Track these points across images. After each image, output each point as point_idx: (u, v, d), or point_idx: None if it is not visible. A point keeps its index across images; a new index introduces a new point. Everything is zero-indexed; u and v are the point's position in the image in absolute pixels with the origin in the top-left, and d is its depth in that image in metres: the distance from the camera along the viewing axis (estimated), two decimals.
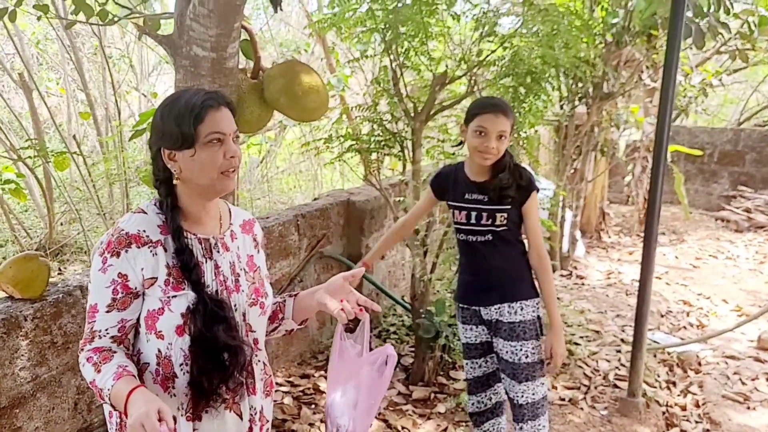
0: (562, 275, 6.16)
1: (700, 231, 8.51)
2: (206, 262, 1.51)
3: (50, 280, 2.28)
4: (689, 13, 4.28)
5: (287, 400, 3.37)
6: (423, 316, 3.52)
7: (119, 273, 1.42)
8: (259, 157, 7.96)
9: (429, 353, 3.57)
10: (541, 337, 2.52)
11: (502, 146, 2.41)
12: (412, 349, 3.73)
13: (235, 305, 1.53)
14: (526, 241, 2.57)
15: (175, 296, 1.45)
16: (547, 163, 6.81)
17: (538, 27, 3.61)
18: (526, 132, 3.99)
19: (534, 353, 2.49)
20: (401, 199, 3.61)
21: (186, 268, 1.45)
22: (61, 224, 5.48)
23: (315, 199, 4.10)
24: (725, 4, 4.39)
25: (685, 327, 5.21)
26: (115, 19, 2.57)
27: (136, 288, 1.44)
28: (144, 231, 1.45)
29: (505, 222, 2.46)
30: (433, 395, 3.57)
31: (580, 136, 5.98)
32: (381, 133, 3.72)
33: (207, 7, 2.19)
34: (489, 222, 2.47)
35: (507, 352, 2.51)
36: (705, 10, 4.37)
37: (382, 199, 3.91)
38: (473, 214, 2.50)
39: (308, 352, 3.84)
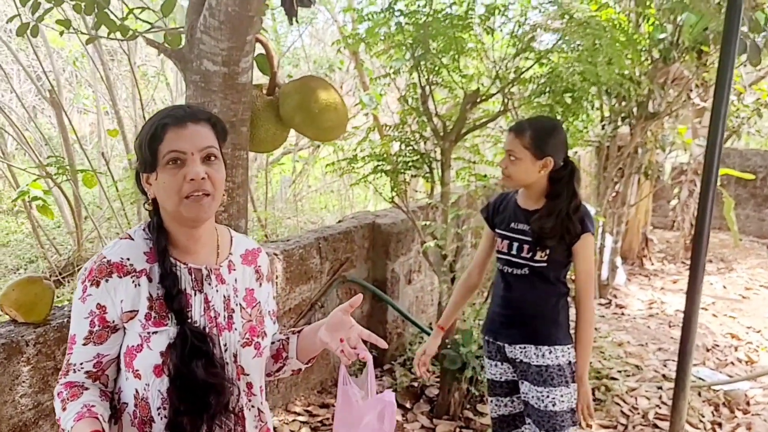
0: (600, 304, 5.88)
1: (751, 259, 8.08)
2: (195, 294, 1.38)
3: (56, 303, 2.21)
4: (744, 28, 4.01)
5: (304, 430, 3.21)
6: (449, 346, 3.33)
7: (98, 304, 1.32)
8: (292, 176, 7.90)
9: (455, 385, 3.38)
10: (572, 385, 2.30)
11: (513, 168, 2.24)
12: (438, 379, 3.54)
13: (225, 344, 1.39)
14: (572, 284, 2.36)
15: (155, 332, 1.33)
16: (587, 186, 6.55)
17: (578, 42, 3.41)
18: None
19: (563, 401, 2.28)
20: (428, 223, 3.44)
21: (169, 296, 1.33)
22: (91, 242, 5.48)
23: (339, 222, 3.96)
24: None
25: (732, 363, 4.87)
26: (135, 34, 2.50)
27: (113, 321, 1.33)
28: (128, 259, 1.34)
29: (545, 259, 2.26)
30: (458, 430, 3.37)
31: (622, 158, 5.71)
32: (409, 154, 3.57)
33: (218, 18, 2.09)
34: (529, 255, 2.29)
35: (533, 397, 2.31)
36: (762, 24, 4.09)
37: (409, 222, 3.75)
38: (515, 244, 2.33)
39: (329, 380, 3.68)
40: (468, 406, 3.53)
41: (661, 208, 8.90)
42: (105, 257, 1.33)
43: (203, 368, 1.31)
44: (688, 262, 7.03)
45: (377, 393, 1.45)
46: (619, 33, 3.43)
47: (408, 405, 3.56)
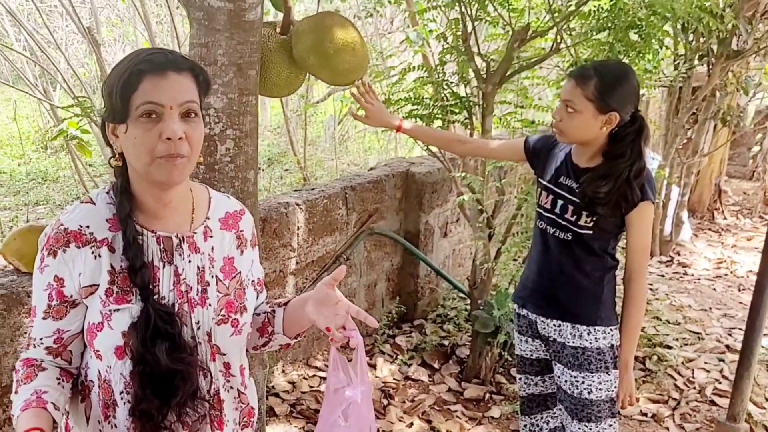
0: (660, 262, 5.60)
1: None
2: (163, 267, 1.26)
3: None
4: None
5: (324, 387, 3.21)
6: (482, 307, 3.23)
7: (55, 276, 1.22)
8: (337, 115, 7.75)
9: (486, 349, 3.29)
10: (613, 371, 2.08)
11: (568, 121, 1.95)
12: (471, 338, 3.46)
13: (197, 322, 1.28)
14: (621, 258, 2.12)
15: (117, 310, 1.21)
16: (653, 133, 6.16)
17: None
18: None
19: (601, 389, 2.07)
20: (466, 174, 3.27)
21: (132, 269, 1.21)
22: None
23: (371, 169, 3.84)
24: None
25: None
26: None
27: (72, 296, 1.23)
28: (87, 227, 1.22)
29: (590, 225, 2.01)
30: (487, 395, 3.31)
31: (697, 101, 5.26)
32: (447, 97, 3.38)
33: None
34: (573, 218, 2.03)
35: (566, 382, 2.11)
36: None
37: (446, 171, 3.60)
38: (559, 202, 2.07)
39: None
40: (501, 370, 3.45)
41: (739, 156, 8.33)
42: (62, 224, 1.22)
43: (167, 353, 1.21)
44: (766, 217, 6.46)
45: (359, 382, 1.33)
46: None
47: (436, 365, 3.51)
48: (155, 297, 1.24)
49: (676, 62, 5.09)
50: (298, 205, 2.94)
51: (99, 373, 1.27)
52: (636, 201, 1.94)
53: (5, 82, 6.58)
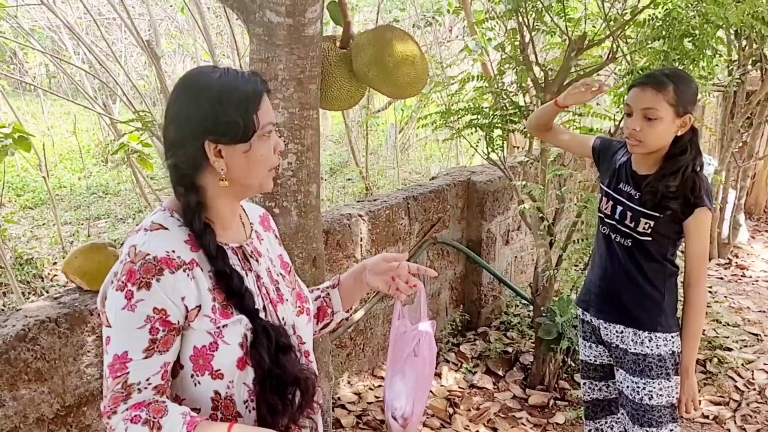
0: (719, 264, 5.13)
1: None
2: (246, 275, 1.17)
3: None
4: None
5: None
6: (544, 314, 2.91)
7: (155, 308, 1.04)
8: (398, 124, 7.41)
9: (550, 355, 2.97)
10: (674, 377, 1.89)
11: (650, 131, 1.77)
12: (534, 345, 3.13)
13: (283, 318, 1.22)
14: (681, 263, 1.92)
15: (225, 325, 1.10)
16: (708, 139, 5.68)
17: None
18: None
19: (662, 395, 1.89)
20: (526, 183, 2.97)
21: (234, 293, 1.12)
22: None
23: (432, 179, 3.57)
24: None
25: None
26: None
27: (178, 322, 1.08)
28: (173, 251, 1.07)
29: (648, 231, 1.85)
30: (552, 402, 2.98)
31: (751, 106, 4.90)
32: (506, 106, 3.09)
33: None
34: (632, 225, 1.88)
35: (628, 387, 1.93)
36: None
37: (506, 179, 3.30)
38: (618, 208, 1.92)
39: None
40: (565, 376, 3.11)
41: None
42: (147, 254, 1.05)
43: (292, 363, 1.16)
44: None
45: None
46: None
47: (500, 372, 3.19)
48: (257, 308, 1.15)
49: (729, 68, 4.77)
50: (360, 216, 2.70)
51: (216, 394, 1.13)
52: (698, 203, 1.80)
53: (64, 96, 5.86)
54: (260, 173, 1.13)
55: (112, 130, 5.66)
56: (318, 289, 1.42)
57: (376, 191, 5.86)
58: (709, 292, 4.39)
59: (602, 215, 1.99)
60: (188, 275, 1.07)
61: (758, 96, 4.84)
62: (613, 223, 1.93)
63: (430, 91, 3.42)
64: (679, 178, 1.79)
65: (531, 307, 3.26)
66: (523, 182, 3.00)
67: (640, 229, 1.86)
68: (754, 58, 4.70)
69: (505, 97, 3.08)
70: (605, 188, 1.98)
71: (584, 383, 2.13)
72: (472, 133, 3.17)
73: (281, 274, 1.26)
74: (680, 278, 1.92)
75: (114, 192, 6.44)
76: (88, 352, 1.86)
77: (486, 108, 3.09)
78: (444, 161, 7.51)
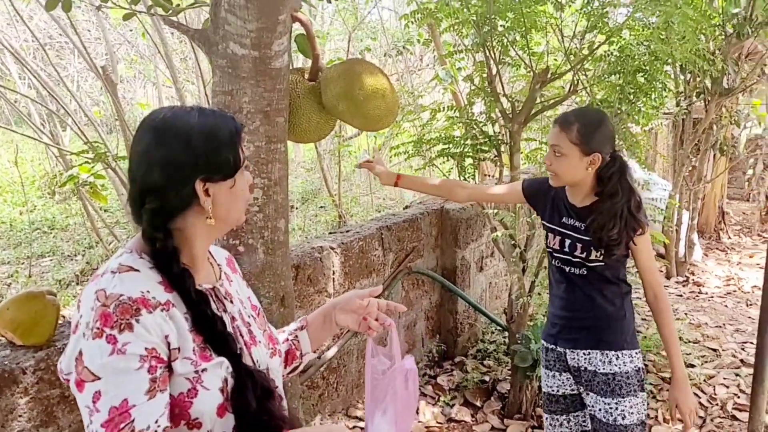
0: (677, 282, 5.04)
1: None
2: (221, 317, 1.04)
3: (64, 319, 1.72)
4: None
5: None
6: (519, 341, 2.70)
7: (145, 348, 0.90)
8: (371, 151, 7.20)
9: (527, 383, 2.74)
10: (641, 394, 1.83)
11: (558, 165, 1.79)
12: (511, 372, 2.91)
13: (257, 361, 1.09)
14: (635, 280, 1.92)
15: (205, 369, 0.97)
16: (668, 157, 5.67)
17: (649, 18, 2.73)
18: (640, 127, 3.11)
19: (633, 412, 1.80)
20: (497, 211, 2.78)
21: (217, 337, 1.00)
22: None
23: (405, 208, 3.36)
24: None
25: None
26: (178, 9, 1.98)
27: (170, 358, 0.94)
28: (148, 292, 0.94)
29: (600, 258, 1.81)
30: (529, 430, 2.74)
31: (698, 134, 4.93)
32: (476, 136, 2.93)
33: None
34: (583, 255, 1.83)
35: (601, 410, 1.83)
36: None
37: (479, 207, 3.12)
38: (567, 241, 1.87)
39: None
40: (541, 403, 2.88)
41: (736, 180, 7.85)
42: (120, 294, 0.91)
43: (274, 407, 1.05)
44: (764, 235, 6.16)
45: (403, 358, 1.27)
46: (691, 9, 2.72)
47: (478, 403, 2.95)
48: (236, 350, 1.02)
49: (677, 99, 4.81)
50: (332, 248, 2.46)
51: None
52: (641, 232, 1.80)
53: (5, 126, 4.87)
54: (241, 207, 1.08)
55: (60, 161, 5.03)
56: (284, 331, 1.31)
57: (349, 219, 5.59)
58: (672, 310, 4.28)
59: (551, 250, 1.93)
60: (166, 315, 0.94)
61: (703, 125, 4.91)
62: (564, 256, 1.88)
63: (402, 119, 3.26)
64: (618, 225, 1.74)
65: (507, 334, 3.04)
66: (495, 210, 2.83)
67: (592, 257, 1.82)
68: (697, 90, 4.77)
69: (475, 126, 2.93)
70: (549, 225, 1.93)
71: (546, 418, 1.99)
72: (444, 162, 2.99)
73: (252, 315, 1.15)
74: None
75: (61, 227, 5.68)
76: (20, 416, 1.54)
77: (457, 137, 2.92)
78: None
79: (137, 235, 1.02)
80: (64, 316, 1.82)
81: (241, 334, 1.07)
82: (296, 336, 1.28)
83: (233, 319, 1.08)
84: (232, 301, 1.10)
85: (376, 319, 1.21)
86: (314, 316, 1.30)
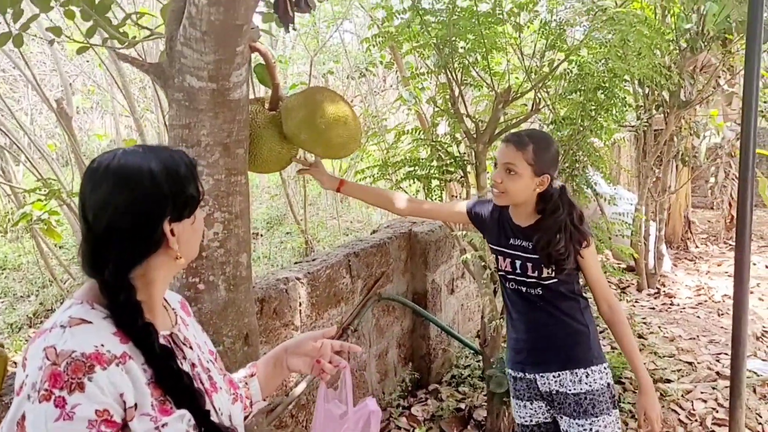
0: (649, 294, 5.18)
1: None
2: (182, 365, 1.03)
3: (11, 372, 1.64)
4: (766, 14, 3.42)
5: None
6: (494, 365, 2.73)
7: (96, 410, 0.86)
8: (337, 174, 7.22)
9: (503, 409, 2.77)
10: (614, 411, 1.86)
11: (512, 183, 1.82)
12: (487, 399, 2.93)
13: (219, 408, 1.08)
14: (589, 293, 1.95)
15: (165, 424, 0.94)
16: (630, 171, 5.88)
17: (606, 36, 2.88)
18: (602, 142, 3.23)
19: (607, 431, 1.83)
20: (465, 232, 2.84)
21: (182, 392, 0.97)
22: None
23: (373, 232, 3.38)
24: None
25: None
26: (132, 42, 1.98)
27: (123, 419, 0.91)
28: (102, 345, 0.90)
29: (553, 275, 1.85)
30: None
31: (659, 146, 5.15)
32: (442, 157, 2.99)
33: (199, 29, 1.54)
34: (535, 274, 1.87)
35: None
36: None
37: (447, 228, 3.17)
38: (518, 262, 1.90)
39: None
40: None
41: (699, 189, 8.20)
42: (73, 351, 0.87)
43: None
44: (730, 242, 6.45)
45: (357, 403, 1.27)
46: (646, 26, 2.89)
47: None
48: (200, 400, 1.00)
49: (638, 113, 5.01)
50: (299, 279, 2.45)
51: None
52: (585, 238, 1.85)
53: None
54: (197, 243, 1.08)
55: (12, 198, 4.96)
56: (236, 378, 1.27)
57: (316, 245, 5.59)
58: (644, 323, 4.39)
59: (503, 273, 1.95)
60: (122, 370, 0.91)
61: (664, 137, 5.14)
62: (518, 277, 1.90)
63: (366, 141, 3.31)
64: (563, 238, 1.80)
65: (481, 358, 3.08)
66: (464, 231, 2.89)
67: (544, 275, 1.85)
68: (656, 103, 4.99)
69: (440, 148, 2.99)
70: (497, 247, 1.95)
71: None
72: (410, 185, 3.04)
73: (210, 360, 1.14)
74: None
75: (13, 266, 5.51)
76: None
77: (423, 159, 2.98)
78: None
79: (86, 285, 0.99)
80: (16, 363, 1.76)
81: (201, 381, 1.06)
82: (246, 383, 1.26)
83: (193, 365, 1.06)
84: (191, 347, 1.08)
85: (330, 362, 1.20)
86: (264, 362, 1.28)
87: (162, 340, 0.99)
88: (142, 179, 0.97)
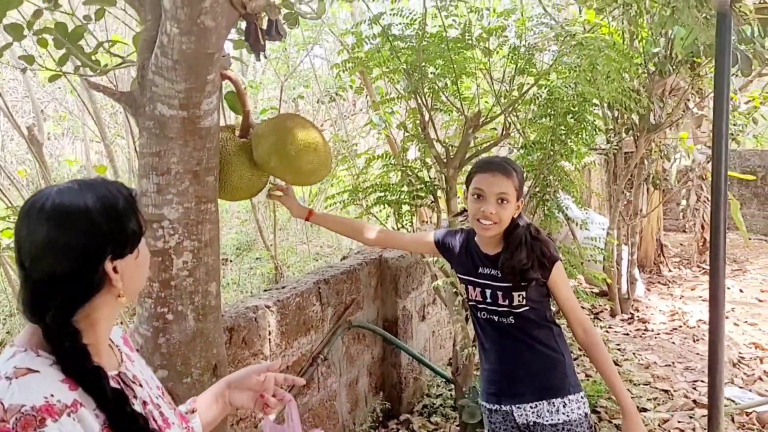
0: (622, 320, 5.28)
1: (762, 258, 7.51)
2: (134, 404, 1.03)
3: None
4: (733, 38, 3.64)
5: None
6: (466, 394, 2.79)
7: None
8: (308, 197, 7.27)
9: None
10: None
11: (503, 213, 1.86)
12: (460, 430, 2.98)
13: None
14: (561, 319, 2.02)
15: None
16: (602, 193, 6.05)
17: (575, 61, 3.03)
18: (572, 165, 3.36)
19: None
20: (436, 259, 2.91)
21: (125, 419, 0.98)
22: None
23: (343, 258, 3.44)
24: None
25: (761, 378, 4.23)
26: (104, 70, 2.03)
27: None
28: (52, 396, 0.90)
29: (524, 302, 1.89)
30: None
31: (630, 169, 5.29)
32: (412, 182, 3.08)
33: (171, 57, 1.61)
34: (506, 303, 1.91)
35: None
36: (749, 34, 3.73)
37: (418, 254, 3.24)
38: (488, 291, 1.93)
39: None
40: None
41: (671, 211, 8.44)
42: (21, 405, 0.87)
43: None
44: (703, 266, 6.55)
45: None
46: (614, 51, 3.04)
47: None
48: None
49: (607, 136, 5.14)
50: (268, 307, 2.49)
51: None
52: (552, 260, 1.90)
53: None
54: (144, 276, 1.08)
55: None
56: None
57: (285, 270, 5.61)
58: (619, 349, 4.48)
59: (474, 303, 1.97)
60: (74, 419, 0.90)
61: (634, 160, 5.25)
62: (489, 307, 1.93)
63: (336, 165, 3.38)
64: (525, 249, 1.86)
65: (453, 387, 3.13)
66: (435, 258, 2.95)
67: (515, 303, 1.88)
68: (626, 126, 5.12)
69: (410, 173, 3.08)
70: (466, 277, 1.99)
71: None
72: (381, 210, 3.11)
73: (159, 396, 1.15)
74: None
75: None
76: None
77: (393, 184, 3.06)
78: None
79: (28, 330, 0.98)
80: None
81: (154, 419, 1.06)
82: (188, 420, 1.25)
83: (144, 403, 1.06)
84: (140, 384, 1.09)
85: (274, 395, 1.21)
86: (205, 397, 1.27)
87: (112, 382, 0.99)
88: (79, 218, 0.96)
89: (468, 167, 3.19)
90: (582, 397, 1.91)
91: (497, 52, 3.21)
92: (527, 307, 1.89)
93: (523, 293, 1.88)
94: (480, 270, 1.95)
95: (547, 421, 1.87)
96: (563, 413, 1.86)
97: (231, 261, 6.36)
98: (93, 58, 2.02)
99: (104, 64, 2.01)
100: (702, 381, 3.80)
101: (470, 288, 1.98)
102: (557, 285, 1.90)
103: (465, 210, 2.06)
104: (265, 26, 2.00)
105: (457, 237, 2.06)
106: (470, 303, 2.00)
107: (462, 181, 3.30)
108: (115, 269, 0.99)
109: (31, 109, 6.56)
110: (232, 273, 5.84)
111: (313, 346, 2.73)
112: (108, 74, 1.99)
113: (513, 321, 1.91)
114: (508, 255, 1.87)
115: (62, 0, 2.08)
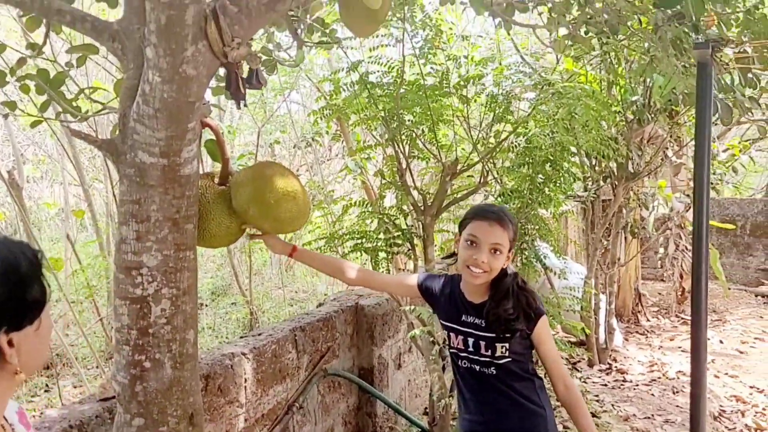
0: (600, 370, 5.36)
1: (742, 309, 7.68)
2: None
3: None
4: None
5: None
6: None
7: None
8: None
9: None
10: None
11: (495, 263, 1.90)
12: None
13: None
14: (542, 372, 2.04)
15: None
16: (580, 241, 6.20)
17: (552, 108, 3.16)
18: (550, 213, 3.49)
19: None
20: (413, 307, 3.00)
21: None
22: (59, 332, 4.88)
23: (320, 305, 3.51)
24: (753, 79, 3.90)
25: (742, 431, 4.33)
26: (85, 116, 2.12)
27: None
28: None
29: (506, 354, 1.92)
30: None
31: (608, 217, 5.40)
32: (389, 230, 3.18)
33: (152, 106, 1.70)
34: (488, 353, 1.93)
35: None
36: (729, 83, 3.92)
37: (394, 302, 3.32)
38: (470, 340, 1.96)
39: None
40: None
41: (649, 260, 8.60)
42: None
43: None
44: (682, 315, 6.58)
45: None
46: (592, 99, 3.20)
47: None
48: None
49: (585, 184, 5.25)
50: (244, 354, 2.54)
51: None
52: (538, 313, 1.93)
53: None
54: (46, 349, 0.99)
55: None
56: None
57: (261, 315, 5.64)
58: (597, 400, 4.54)
59: (455, 351, 1.99)
60: None
61: (612, 208, 5.35)
62: (471, 356, 1.95)
63: (312, 209, 3.47)
64: (512, 300, 1.90)
65: None
66: (411, 306, 3.03)
67: (498, 354, 1.91)
68: (604, 174, 5.23)
69: (387, 220, 3.17)
70: (449, 324, 2.01)
71: None
72: (357, 258, 3.20)
73: None
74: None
75: None
76: None
77: (370, 231, 3.15)
78: (331, 279, 7.46)
79: None
80: None
81: None
82: None
83: None
84: None
85: None
86: None
87: None
88: None
89: (445, 215, 3.31)
90: None
91: (475, 100, 3.35)
92: (510, 359, 1.91)
93: (507, 345, 1.90)
94: (463, 318, 1.97)
95: None
96: None
97: (206, 306, 6.40)
98: (74, 104, 2.12)
99: (85, 110, 2.10)
100: None
101: (452, 335, 2.00)
102: (541, 338, 1.93)
103: (454, 253, 2.09)
104: (245, 75, 2.11)
105: (441, 281, 2.09)
106: (451, 350, 2.03)
107: (439, 229, 3.44)
108: (10, 343, 0.91)
109: (11, 153, 6.79)
110: (208, 318, 5.86)
111: (288, 394, 2.76)
112: (88, 120, 2.08)
113: (494, 372, 1.93)
114: (494, 304, 1.90)
115: (44, 47, 2.19)
